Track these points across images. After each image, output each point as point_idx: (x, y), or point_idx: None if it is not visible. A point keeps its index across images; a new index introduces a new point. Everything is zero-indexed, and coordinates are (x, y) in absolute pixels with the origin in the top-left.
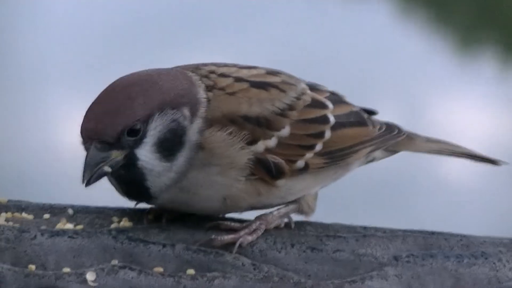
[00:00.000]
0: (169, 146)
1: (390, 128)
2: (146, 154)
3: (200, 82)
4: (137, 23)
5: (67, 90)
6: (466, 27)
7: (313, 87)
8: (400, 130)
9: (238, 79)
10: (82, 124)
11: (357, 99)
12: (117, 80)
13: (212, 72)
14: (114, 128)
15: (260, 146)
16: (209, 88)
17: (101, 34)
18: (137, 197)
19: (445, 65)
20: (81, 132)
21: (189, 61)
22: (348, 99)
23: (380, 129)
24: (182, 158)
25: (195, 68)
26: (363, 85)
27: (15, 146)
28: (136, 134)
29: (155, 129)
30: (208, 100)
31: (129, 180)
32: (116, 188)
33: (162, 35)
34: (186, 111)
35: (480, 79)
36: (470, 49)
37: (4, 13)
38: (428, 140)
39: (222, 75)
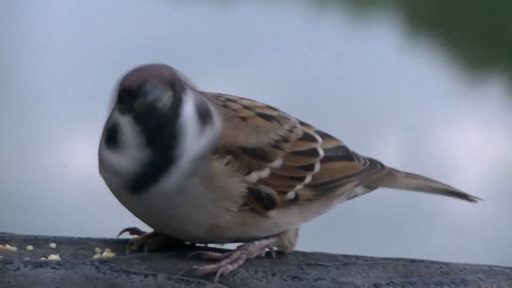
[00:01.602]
0: (201, 115)
1: (372, 163)
2: (189, 106)
3: (220, 109)
4: (134, 50)
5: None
6: (473, 55)
7: (302, 122)
8: (382, 166)
9: (246, 107)
10: (125, 82)
11: (362, 128)
12: (143, 66)
13: (219, 96)
14: (170, 75)
15: (254, 177)
16: (225, 113)
17: (100, 61)
18: (151, 168)
19: (451, 93)
20: (130, 84)
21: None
22: (353, 126)
23: (364, 164)
24: (210, 132)
25: (217, 96)
26: (368, 113)
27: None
28: (183, 89)
29: (191, 96)
30: (223, 117)
31: (164, 137)
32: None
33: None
34: (212, 107)
35: (486, 108)
36: (476, 77)
37: (4, 43)
38: (408, 175)
39: (230, 100)
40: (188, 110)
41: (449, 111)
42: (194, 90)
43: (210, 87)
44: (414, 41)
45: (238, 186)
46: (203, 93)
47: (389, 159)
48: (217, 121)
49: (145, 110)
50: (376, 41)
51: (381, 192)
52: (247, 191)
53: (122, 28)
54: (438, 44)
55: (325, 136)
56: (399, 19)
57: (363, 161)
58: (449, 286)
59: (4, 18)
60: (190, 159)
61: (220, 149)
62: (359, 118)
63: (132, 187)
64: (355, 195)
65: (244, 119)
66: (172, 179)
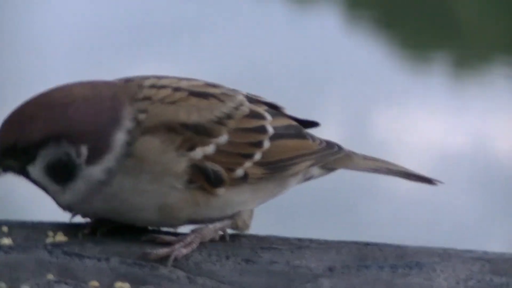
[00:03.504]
0: (58, 174)
1: (329, 144)
2: (37, 173)
3: (129, 113)
4: (89, 36)
5: None
6: (416, 38)
7: (252, 99)
8: (339, 147)
9: (177, 89)
10: None
11: (304, 107)
12: (36, 96)
13: (153, 85)
14: (9, 138)
15: (198, 152)
16: (142, 111)
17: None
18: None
19: (394, 73)
20: None
21: (139, 71)
22: (294, 107)
23: (320, 144)
24: (75, 188)
25: (138, 87)
26: (310, 93)
27: None
28: (27, 153)
29: (45, 156)
30: (138, 123)
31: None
32: None
33: (116, 48)
34: (84, 149)
35: (430, 88)
36: (419, 59)
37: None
38: (365, 158)
39: (162, 87)
40: (35, 172)
41: (391, 94)
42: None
43: (158, 68)
44: (356, 23)
45: (180, 161)
46: (114, 112)
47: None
48: (116, 131)
49: None
50: (317, 23)
51: (335, 176)
52: (191, 167)
53: (68, 14)
54: (380, 26)
55: (276, 114)
56: (342, 3)
57: (319, 141)
58: (404, 269)
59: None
60: (76, 191)
61: (155, 127)
62: (299, 100)
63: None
64: (312, 176)
65: (172, 103)
66: (83, 203)
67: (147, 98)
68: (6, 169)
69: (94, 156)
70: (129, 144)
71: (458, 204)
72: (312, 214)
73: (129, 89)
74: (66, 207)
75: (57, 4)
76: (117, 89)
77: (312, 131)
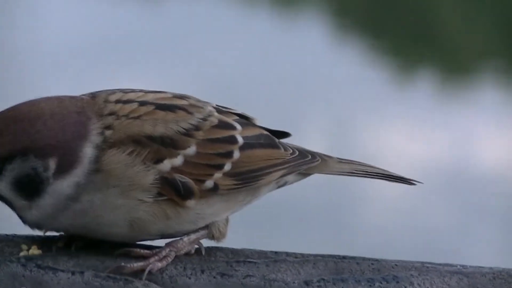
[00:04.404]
0: (26, 189)
1: (302, 153)
2: (2, 189)
3: (96, 128)
4: (71, 49)
5: None
6: (402, 53)
7: (221, 110)
8: (313, 156)
9: (143, 103)
10: None
11: (289, 116)
12: (4, 110)
13: (118, 100)
14: None
15: (166, 165)
16: (107, 127)
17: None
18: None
19: (379, 89)
20: None
21: (114, 85)
22: (279, 116)
23: (292, 153)
24: (45, 202)
25: (104, 101)
26: (295, 102)
27: None
28: None
29: (12, 171)
30: (104, 138)
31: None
32: None
33: (100, 59)
34: (51, 163)
35: (415, 103)
36: (405, 74)
37: None
38: (340, 161)
39: (128, 102)
40: (1, 188)
41: (376, 108)
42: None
43: (139, 83)
44: (342, 37)
45: (147, 174)
46: (80, 126)
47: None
48: (84, 145)
49: None
50: (304, 37)
51: (312, 186)
52: (159, 179)
53: (54, 25)
54: (366, 40)
55: (246, 124)
56: (327, 14)
57: (291, 150)
58: (381, 283)
59: None
60: (44, 206)
61: (120, 141)
62: (285, 113)
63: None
64: (286, 183)
65: (137, 118)
66: (50, 218)
67: (113, 113)
68: None
69: (62, 170)
70: (97, 158)
71: (438, 214)
72: (289, 225)
73: (95, 105)
74: (33, 224)
75: (43, 15)
76: (84, 104)
77: (295, 141)
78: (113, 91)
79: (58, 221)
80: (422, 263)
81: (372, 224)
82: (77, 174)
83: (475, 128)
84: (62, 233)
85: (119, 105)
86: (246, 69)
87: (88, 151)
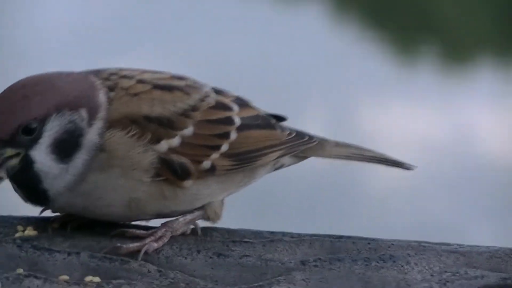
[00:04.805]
0: (66, 147)
1: (300, 134)
2: (41, 155)
3: (101, 84)
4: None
5: None
6: (403, 31)
7: (218, 91)
8: (311, 137)
9: (141, 81)
10: None
11: (287, 102)
12: (16, 82)
13: (114, 73)
14: (8, 124)
15: (164, 145)
16: (111, 89)
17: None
18: (36, 201)
19: (380, 70)
20: None
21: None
22: (281, 102)
23: (289, 134)
24: (80, 160)
25: (97, 72)
26: (295, 89)
27: None
28: (31, 133)
29: (51, 130)
30: (110, 101)
31: (26, 183)
32: (16, 191)
33: (99, 46)
34: (84, 113)
35: (416, 85)
36: (406, 52)
37: None
38: (338, 145)
39: (125, 77)
40: (40, 155)
41: (377, 90)
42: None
43: (133, 63)
44: (342, 19)
45: (146, 155)
46: (88, 82)
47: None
48: (103, 103)
49: None
50: (303, 18)
51: (308, 167)
52: (157, 160)
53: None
54: (366, 22)
55: (243, 105)
56: None
57: (288, 132)
58: (377, 262)
59: None
60: (79, 165)
61: (120, 120)
62: (286, 96)
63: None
64: (283, 165)
65: (135, 95)
66: (78, 183)
67: (113, 81)
68: (7, 169)
69: (91, 118)
70: (108, 105)
71: (438, 195)
72: (285, 206)
73: (97, 74)
74: (56, 195)
75: (47, 4)
76: (79, 72)
77: (294, 123)
78: (105, 68)
79: (78, 192)
80: (419, 242)
81: (370, 206)
82: (100, 122)
83: (475, 109)
84: (58, 213)
85: (115, 77)
86: (244, 52)
87: (102, 97)
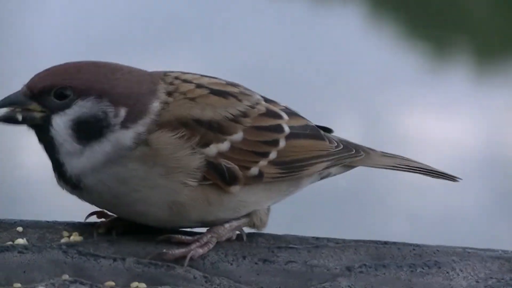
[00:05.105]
0: (87, 131)
1: (347, 147)
2: (61, 125)
3: (162, 90)
4: (105, 33)
5: None
6: (436, 34)
7: (268, 100)
8: (357, 150)
9: (199, 86)
10: None
11: (323, 108)
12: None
13: (177, 77)
14: (45, 81)
15: (213, 149)
16: (170, 94)
17: (79, 44)
18: (59, 175)
19: (415, 74)
20: None
21: (158, 67)
22: (313, 105)
23: (337, 146)
24: (100, 150)
25: (164, 74)
26: (330, 94)
27: None
28: (61, 98)
29: (81, 107)
30: (166, 104)
31: (45, 146)
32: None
33: (134, 44)
34: (122, 112)
35: (450, 87)
36: (440, 56)
37: None
38: (384, 155)
39: (185, 81)
40: (59, 123)
41: (411, 94)
42: (103, 88)
43: (177, 65)
44: (378, 22)
45: (193, 158)
46: (151, 86)
47: (349, 139)
48: (155, 108)
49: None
50: (339, 22)
51: (353, 174)
52: (205, 163)
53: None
54: (402, 26)
55: (292, 114)
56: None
57: (336, 143)
58: (423, 268)
59: None
60: (96, 154)
61: (170, 122)
62: (320, 98)
63: (68, 185)
64: (329, 175)
65: (192, 99)
66: (95, 171)
67: (174, 85)
68: (26, 117)
69: (129, 121)
70: (159, 112)
71: (475, 198)
72: (330, 212)
73: (161, 75)
74: (74, 176)
75: (52, 4)
76: (153, 72)
77: (329, 126)
78: (172, 71)
79: (99, 181)
80: (464, 248)
81: (407, 210)
82: (140, 128)
83: (509, 113)
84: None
85: (178, 81)
86: (279, 53)
87: (156, 105)
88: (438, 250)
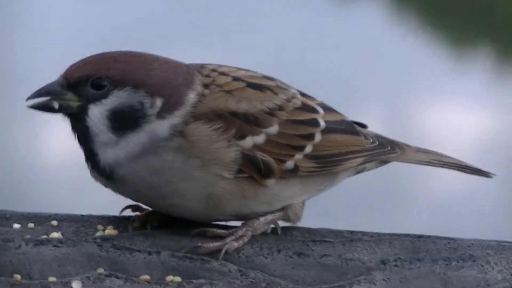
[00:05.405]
0: (123, 122)
1: (382, 144)
2: (97, 115)
3: (199, 82)
4: (125, 29)
5: None
6: (459, 28)
7: (303, 94)
8: (393, 147)
9: (236, 78)
10: None
11: (349, 101)
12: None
13: (214, 70)
14: (82, 71)
15: (248, 142)
16: (206, 86)
17: (92, 42)
18: (98, 171)
19: (437, 66)
20: None
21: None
22: (339, 100)
23: (372, 142)
24: (133, 140)
25: (201, 66)
26: (353, 87)
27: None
28: (98, 88)
29: (118, 97)
30: (202, 96)
31: (79, 135)
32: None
33: (155, 39)
34: (158, 102)
35: (473, 80)
36: (463, 50)
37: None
38: (419, 150)
39: (222, 74)
40: (95, 113)
41: (434, 87)
42: (141, 78)
43: (207, 58)
44: (401, 16)
45: (229, 150)
46: (187, 77)
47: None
48: (191, 99)
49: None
50: (362, 16)
51: (386, 169)
52: (240, 156)
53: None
54: (424, 19)
55: (328, 109)
56: None
57: (371, 140)
58: (457, 262)
59: None
60: (131, 145)
61: (205, 114)
62: (344, 92)
63: (102, 176)
64: (364, 169)
65: (229, 92)
66: (129, 162)
67: (210, 77)
68: (62, 105)
69: (165, 111)
70: (196, 104)
71: (496, 192)
72: (364, 206)
73: (198, 67)
74: (108, 166)
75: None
76: (190, 65)
77: (352, 118)
78: (209, 63)
79: (134, 172)
80: (498, 242)
81: (444, 206)
82: (176, 119)
83: None
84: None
85: (215, 74)
86: (302, 48)
87: (192, 96)
88: (472, 244)
